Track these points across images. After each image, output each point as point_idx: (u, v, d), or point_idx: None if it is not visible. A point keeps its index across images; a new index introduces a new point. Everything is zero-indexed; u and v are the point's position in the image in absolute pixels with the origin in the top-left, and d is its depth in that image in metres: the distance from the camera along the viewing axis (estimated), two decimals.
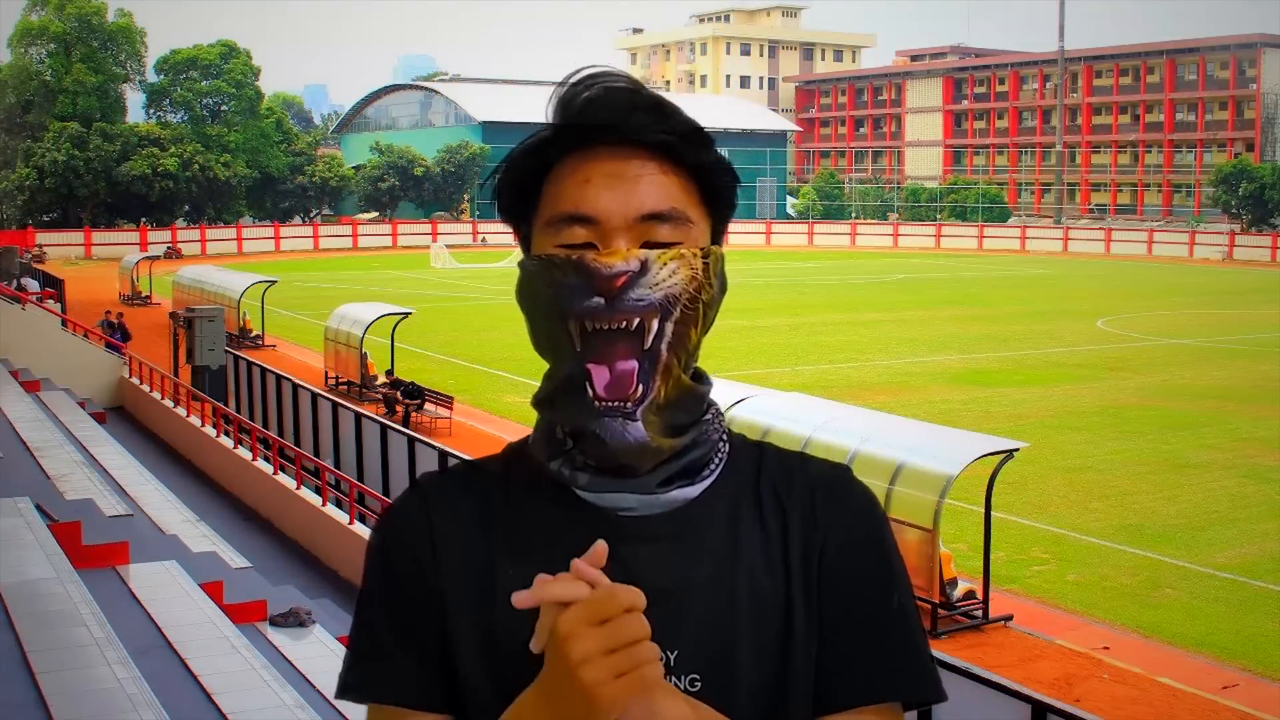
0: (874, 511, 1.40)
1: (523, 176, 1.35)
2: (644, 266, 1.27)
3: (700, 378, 1.38)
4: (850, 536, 1.36)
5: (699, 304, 1.30)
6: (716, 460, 1.37)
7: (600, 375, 1.29)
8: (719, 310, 1.36)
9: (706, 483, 1.35)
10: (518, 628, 1.25)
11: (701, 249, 1.31)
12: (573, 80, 1.34)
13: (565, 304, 1.29)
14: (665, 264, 1.28)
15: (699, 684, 1.28)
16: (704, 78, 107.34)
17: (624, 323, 1.28)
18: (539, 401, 1.38)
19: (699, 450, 1.35)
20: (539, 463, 1.37)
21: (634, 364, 1.29)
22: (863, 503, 1.40)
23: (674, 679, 1.27)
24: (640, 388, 1.29)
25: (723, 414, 1.42)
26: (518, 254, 1.40)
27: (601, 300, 1.27)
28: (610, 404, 1.29)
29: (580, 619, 1.12)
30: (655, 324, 1.28)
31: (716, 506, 1.35)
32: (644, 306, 1.27)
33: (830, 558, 1.35)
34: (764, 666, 1.31)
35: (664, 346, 1.29)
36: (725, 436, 1.40)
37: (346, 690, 1.38)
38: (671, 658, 1.28)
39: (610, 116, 1.30)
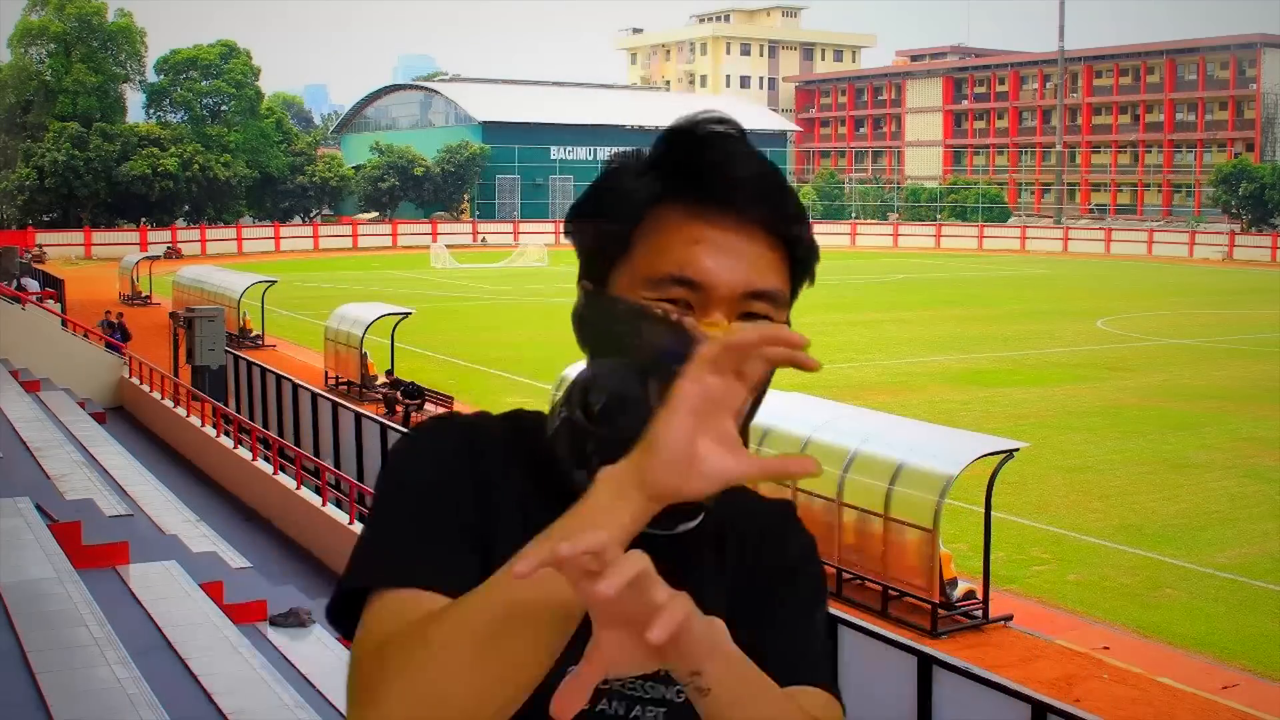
0: (812, 554, 1.43)
1: (621, 215, 1.27)
2: None
3: None
4: (787, 566, 1.39)
5: (770, 378, 1.25)
6: None
7: None
8: None
9: (701, 515, 1.33)
10: None
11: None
12: (687, 127, 1.29)
13: (653, 364, 1.21)
14: None
15: (682, 696, 1.27)
16: (704, 78, 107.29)
17: None
18: (599, 419, 1.27)
19: None
20: (555, 459, 1.30)
21: None
22: (802, 545, 1.42)
23: (666, 690, 1.28)
24: None
25: None
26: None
27: None
28: None
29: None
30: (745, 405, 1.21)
31: (701, 537, 1.34)
32: None
33: (762, 587, 1.37)
34: None
35: (741, 423, 1.23)
36: None
37: (367, 576, 1.19)
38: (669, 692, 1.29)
39: (733, 185, 1.25)
